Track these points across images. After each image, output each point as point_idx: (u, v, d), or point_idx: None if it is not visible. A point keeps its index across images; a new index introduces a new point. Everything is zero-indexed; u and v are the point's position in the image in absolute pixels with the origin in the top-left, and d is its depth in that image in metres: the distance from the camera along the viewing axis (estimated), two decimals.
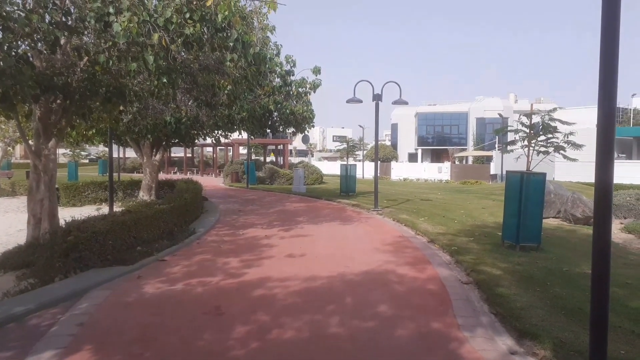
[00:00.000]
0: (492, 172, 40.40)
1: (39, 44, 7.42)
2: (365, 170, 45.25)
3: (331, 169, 46.84)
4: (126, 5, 7.18)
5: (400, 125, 66.19)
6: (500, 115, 42.98)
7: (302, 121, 20.64)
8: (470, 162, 52.76)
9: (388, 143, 71.16)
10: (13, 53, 6.70)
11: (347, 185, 21.84)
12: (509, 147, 10.33)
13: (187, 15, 7.70)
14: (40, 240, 8.92)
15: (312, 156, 72.11)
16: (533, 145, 9.59)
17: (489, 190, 26.27)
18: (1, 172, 28.80)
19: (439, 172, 44.05)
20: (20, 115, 9.96)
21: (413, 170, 46.55)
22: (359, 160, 48.78)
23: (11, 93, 6.93)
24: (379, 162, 18.74)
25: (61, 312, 5.85)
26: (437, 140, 63.36)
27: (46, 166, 9.32)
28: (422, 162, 59.04)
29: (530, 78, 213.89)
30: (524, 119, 9.67)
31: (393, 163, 52.00)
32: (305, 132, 22.22)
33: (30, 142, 9.66)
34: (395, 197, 20.87)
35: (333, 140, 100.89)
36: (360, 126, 53.06)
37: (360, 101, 16.36)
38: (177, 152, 51.70)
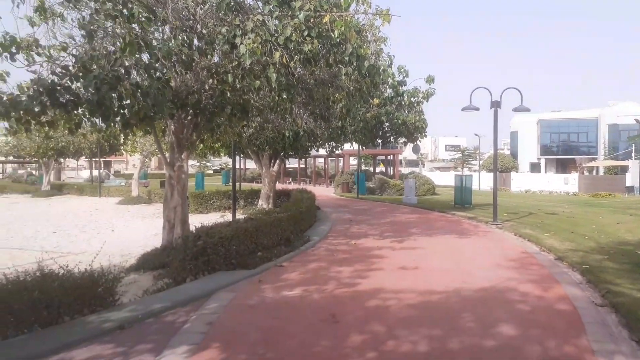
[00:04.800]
0: (628, 183, 36.41)
1: (176, 65, 8.21)
2: (482, 181, 43.26)
3: (444, 179, 45.53)
4: (250, 27, 7.70)
5: (521, 134, 62.27)
6: (637, 120, 38.71)
7: (414, 131, 20.47)
8: (601, 172, 48.00)
9: (507, 152, 67.34)
10: (158, 75, 7.52)
11: (462, 197, 21.01)
12: None
13: (305, 33, 8.04)
14: (174, 244, 9.80)
15: (424, 166, 70.70)
16: None
17: (625, 204, 23.64)
18: (140, 181, 32.19)
19: (565, 183, 40.79)
20: (157, 130, 11.12)
21: (535, 182, 43.62)
22: (475, 171, 46.83)
23: (152, 111, 7.78)
24: (497, 172, 17.81)
25: (192, 310, 6.38)
26: (563, 149, 58.60)
27: (179, 176, 10.26)
28: (545, 172, 55.01)
29: None
30: None
31: (513, 173, 49.17)
32: (417, 141, 21.92)
33: (165, 154, 10.71)
34: (516, 210, 19.64)
35: (446, 150, 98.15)
36: (476, 134, 51.08)
37: (477, 109, 15.72)
38: (292, 163, 53.85)
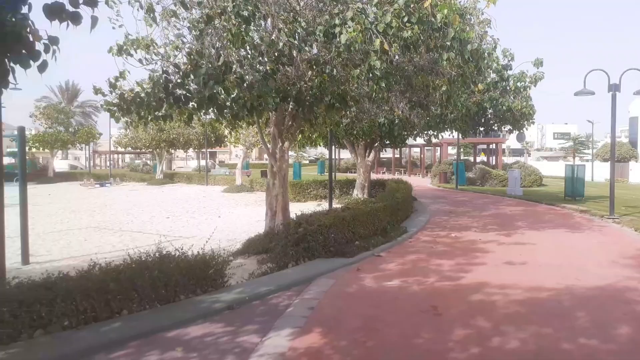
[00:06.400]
0: None
1: (279, 58, 8.45)
2: (595, 172, 39.77)
3: (552, 170, 42.41)
4: (350, 16, 7.70)
5: None
6: None
7: (520, 118, 19.25)
8: None
9: (625, 140, 61.00)
10: (262, 68, 7.83)
11: (574, 189, 19.47)
12: None
13: (405, 19, 7.86)
14: (276, 230, 10.18)
15: (529, 156, 66.48)
16: None
17: None
18: (243, 171, 33.75)
19: None
20: (260, 122, 11.57)
21: None
22: (587, 160, 43.22)
23: (257, 103, 8.10)
24: (614, 161, 16.10)
25: (295, 295, 6.60)
26: None
27: (280, 166, 10.61)
28: None
29: None
30: None
31: (632, 163, 44.45)
32: (524, 129, 20.62)
33: (267, 145, 11.10)
34: (636, 203, 17.83)
35: (554, 138, 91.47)
36: (589, 121, 46.97)
37: (593, 93, 14.43)
38: (386, 153, 53.34)
